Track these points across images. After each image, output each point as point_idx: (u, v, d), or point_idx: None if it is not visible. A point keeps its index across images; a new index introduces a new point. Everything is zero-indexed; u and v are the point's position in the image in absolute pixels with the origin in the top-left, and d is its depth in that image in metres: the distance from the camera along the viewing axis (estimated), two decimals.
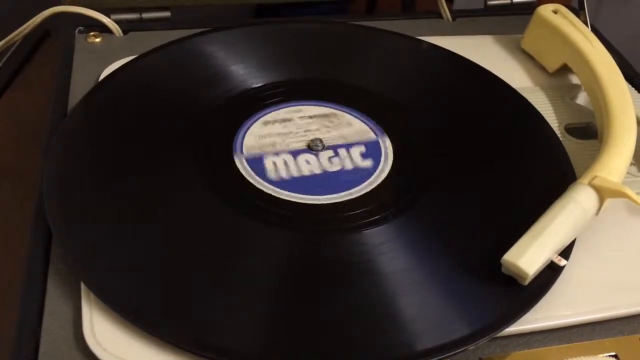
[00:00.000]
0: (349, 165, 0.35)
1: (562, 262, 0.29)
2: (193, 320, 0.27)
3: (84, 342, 0.26)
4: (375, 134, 0.36)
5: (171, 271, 0.28)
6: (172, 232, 0.30)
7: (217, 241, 0.30)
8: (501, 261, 0.28)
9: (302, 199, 0.32)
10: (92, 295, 0.27)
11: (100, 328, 0.26)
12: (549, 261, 0.29)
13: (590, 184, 0.31)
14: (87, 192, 0.31)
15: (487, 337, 0.27)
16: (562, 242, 0.29)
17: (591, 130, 0.38)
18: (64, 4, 0.43)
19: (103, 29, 0.43)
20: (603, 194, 0.31)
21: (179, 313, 0.27)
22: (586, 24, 0.42)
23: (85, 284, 0.28)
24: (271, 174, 0.33)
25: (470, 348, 0.27)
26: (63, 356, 0.26)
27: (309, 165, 0.34)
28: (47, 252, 0.30)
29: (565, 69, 0.42)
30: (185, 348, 0.26)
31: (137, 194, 0.32)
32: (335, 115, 0.37)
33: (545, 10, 0.42)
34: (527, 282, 0.28)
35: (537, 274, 0.28)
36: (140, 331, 0.26)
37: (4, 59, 0.49)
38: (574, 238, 0.30)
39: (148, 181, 0.32)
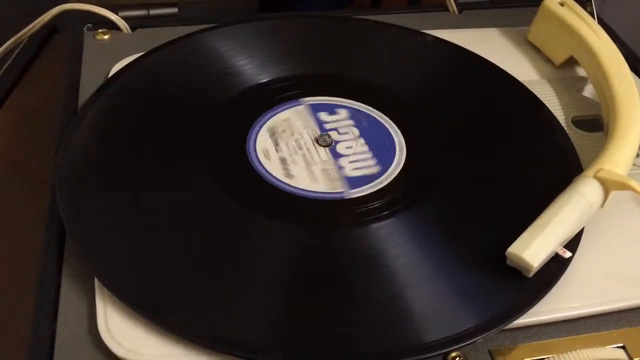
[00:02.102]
0: (352, 122, 0.37)
1: (567, 254, 0.29)
2: (206, 315, 0.27)
3: (99, 336, 0.26)
4: (296, 103, 0.38)
5: (184, 266, 0.29)
6: (185, 229, 0.30)
7: (229, 237, 0.30)
8: (506, 253, 0.29)
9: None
10: (105, 290, 0.28)
11: (114, 323, 0.27)
12: (554, 253, 0.29)
13: (595, 177, 0.31)
14: (99, 188, 0.32)
15: (495, 329, 0.27)
16: (567, 235, 0.29)
17: (598, 123, 0.38)
18: (72, 1, 0.43)
19: (111, 26, 0.43)
20: (608, 186, 0.31)
21: (193, 308, 0.27)
22: (593, 16, 0.42)
23: (99, 279, 0.28)
24: (368, 170, 0.34)
25: (479, 340, 0.27)
26: (78, 351, 0.26)
27: (353, 147, 0.35)
28: (61, 248, 0.30)
29: (571, 62, 0.42)
30: (199, 342, 0.26)
31: (149, 189, 0.32)
32: (275, 125, 0.36)
33: (552, 2, 0.42)
34: (531, 274, 0.28)
35: (541, 266, 0.29)
36: (154, 325, 0.27)
37: (13, 56, 0.50)
38: (578, 230, 0.30)
39: (159, 176, 0.33)
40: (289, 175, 0.33)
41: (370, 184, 0.33)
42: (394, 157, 0.35)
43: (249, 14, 0.59)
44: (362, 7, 0.63)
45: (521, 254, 0.28)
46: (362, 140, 0.35)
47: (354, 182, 0.33)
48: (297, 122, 0.36)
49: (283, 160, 0.34)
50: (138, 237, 0.30)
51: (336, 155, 0.35)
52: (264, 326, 0.27)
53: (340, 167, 0.34)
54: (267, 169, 0.34)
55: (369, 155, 0.35)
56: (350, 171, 0.34)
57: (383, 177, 0.34)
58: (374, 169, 0.34)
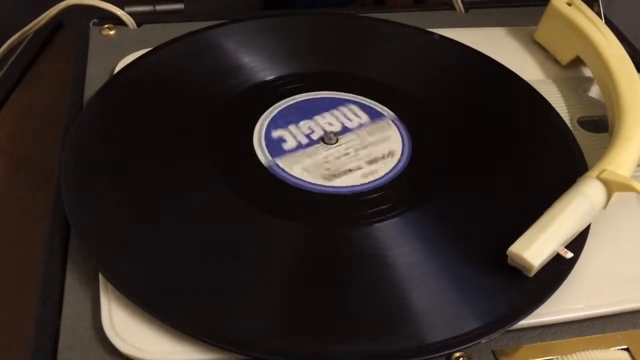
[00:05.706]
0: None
1: (569, 254, 0.29)
2: (211, 312, 0.27)
3: (103, 332, 0.26)
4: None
5: (189, 262, 0.29)
6: (189, 224, 0.30)
7: (233, 233, 0.30)
8: (507, 252, 0.29)
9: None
10: (110, 286, 0.28)
11: (118, 319, 0.27)
12: (555, 253, 0.29)
13: (599, 178, 0.31)
14: (104, 184, 0.32)
15: (499, 330, 0.27)
16: (569, 235, 0.29)
17: (604, 124, 0.38)
18: None
19: (117, 21, 0.43)
20: (611, 187, 0.31)
21: (197, 304, 0.27)
22: (600, 16, 0.42)
23: (104, 275, 0.28)
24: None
25: (483, 341, 0.27)
26: (82, 347, 0.27)
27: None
28: (65, 244, 0.30)
29: (578, 62, 0.42)
30: (203, 339, 0.26)
31: (154, 185, 0.32)
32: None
33: (559, 2, 0.42)
34: (532, 274, 0.28)
35: (542, 266, 0.29)
36: (159, 322, 0.27)
37: (18, 51, 0.50)
38: (580, 231, 0.30)
39: (165, 172, 0.33)
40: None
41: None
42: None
43: (253, 10, 0.58)
44: (366, 5, 0.63)
45: (522, 254, 0.28)
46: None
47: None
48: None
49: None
50: (143, 233, 0.30)
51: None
52: (267, 324, 0.27)
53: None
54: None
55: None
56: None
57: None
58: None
